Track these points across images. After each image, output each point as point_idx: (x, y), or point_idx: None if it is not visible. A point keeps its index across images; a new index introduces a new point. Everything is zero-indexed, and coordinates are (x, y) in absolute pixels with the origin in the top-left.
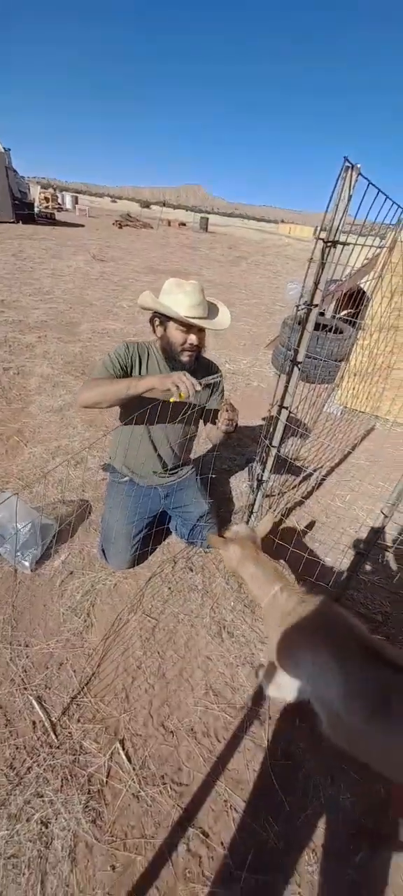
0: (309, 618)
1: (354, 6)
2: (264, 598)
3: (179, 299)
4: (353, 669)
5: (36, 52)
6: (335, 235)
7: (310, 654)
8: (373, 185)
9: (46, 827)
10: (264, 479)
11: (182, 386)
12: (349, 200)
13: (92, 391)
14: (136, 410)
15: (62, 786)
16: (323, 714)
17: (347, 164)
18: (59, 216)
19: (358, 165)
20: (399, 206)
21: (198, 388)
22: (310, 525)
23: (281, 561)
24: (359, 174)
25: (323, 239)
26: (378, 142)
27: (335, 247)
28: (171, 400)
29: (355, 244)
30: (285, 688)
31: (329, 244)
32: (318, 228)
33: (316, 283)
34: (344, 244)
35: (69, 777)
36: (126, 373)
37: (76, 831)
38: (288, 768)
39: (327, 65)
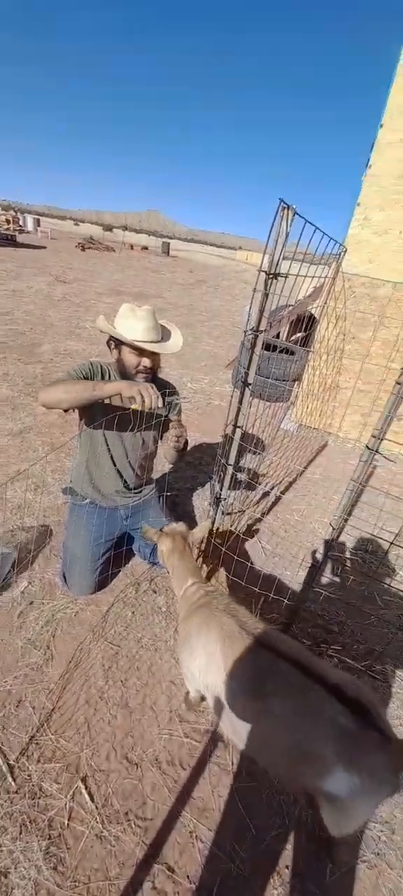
0: (206, 611)
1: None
2: (178, 590)
3: (132, 324)
4: (233, 655)
5: None
6: (276, 268)
7: (202, 644)
8: (310, 222)
9: (5, 877)
10: (222, 496)
11: (146, 397)
12: (287, 237)
13: (55, 388)
14: (96, 420)
15: (21, 833)
16: (212, 703)
17: (283, 205)
18: (20, 238)
19: (293, 206)
20: (335, 241)
21: (161, 402)
22: (252, 532)
23: (222, 569)
24: (295, 213)
25: (265, 272)
26: (333, 160)
27: (276, 278)
28: (134, 407)
29: (296, 275)
30: (188, 679)
31: (271, 276)
32: (261, 262)
33: (262, 311)
34: (285, 276)
35: (28, 823)
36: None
37: (37, 879)
38: (252, 789)
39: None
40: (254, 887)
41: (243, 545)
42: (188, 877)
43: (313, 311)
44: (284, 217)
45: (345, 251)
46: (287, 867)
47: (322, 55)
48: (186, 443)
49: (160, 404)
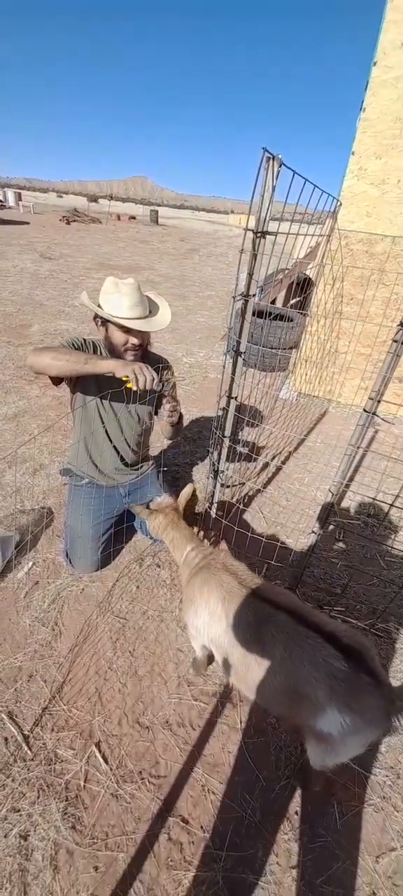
0: (206, 572)
1: None
2: (180, 558)
3: (116, 301)
4: (233, 607)
5: None
6: (263, 226)
7: (204, 601)
8: (298, 174)
9: (25, 840)
10: (220, 469)
11: (141, 378)
12: (273, 190)
13: (45, 353)
14: (89, 397)
15: (39, 797)
16: (218, 656)
17: (267, 154)
18: (1, 214)
19: (279, 155)
20: (328, 195)
21: (156, 382)
22: (253, 503)
23: (223, 542)
24: (281, 164)
25: (252, 230)
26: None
27: (264, 237)
28: (129, 385)
29: (286, 234)
30: (194, 638)
31: (258, 235)
32: (246, 220)
33: (251, 274)
34: (275, 234)
35: (45, 787)
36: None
37: (56, 839)
38: (261, 745)
39: (269, 47)
40: (265, 833)
41: (244, 516)
42: (202, 826)
43: (309, 274)
44: (269, 168)
45: (340, 205)
46: (296, 813)
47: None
48: (181, 416)
49: (155, 385)
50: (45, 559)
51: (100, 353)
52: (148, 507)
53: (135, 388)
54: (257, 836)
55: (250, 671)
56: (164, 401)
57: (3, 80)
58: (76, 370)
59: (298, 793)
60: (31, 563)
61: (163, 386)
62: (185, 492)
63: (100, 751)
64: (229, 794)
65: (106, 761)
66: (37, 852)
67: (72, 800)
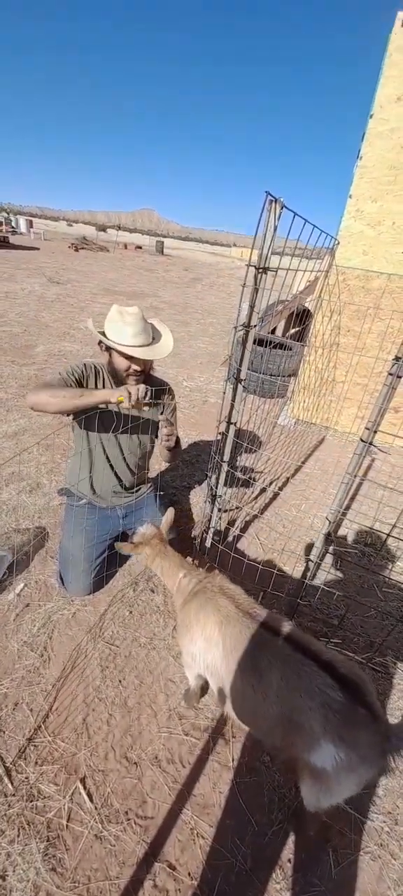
0: (201, 596)
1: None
2: (173, 586)
3: (120, 328)
4: (230, 631)
5: None
6: (265, 263)
7: (201, 627)
8: (299, 215)
9: (3, 880)
10: (218, 493)
11: (133, 391)
12: (275, 230)
13: (42, 392)
14: (88, 425)
15: (19, 835)
16: (214, 684)
17: (270, 197)
18: (12, 240)
19: (281, 199)
20: (327, 234)
21: (147, 396)
22: (250, 528)
23: (216, 571)
24: (283, 206)
25: (254, 266)
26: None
27: (266, 273)
28: (120, 399)
29: (286, 269)
30: (189, 667)
31: (260, 270)
32: (249, 256)
33: (252, 307)
34: (276, 270)
35: (26, 825)
36: (81, 387)
37: (35, 881)
38: (253, 785)
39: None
40: (256, 882)
41: (241, 542)
42: (189, 874)
43: (307, 306)
44: (272, 210)
45: (338, 244)
46: (289, 861)
47: (315, 49)
48: (178, 440)
49: (147, 398)
50: (38, 581)
51: (103, 378)
52: (132, 541)
53: (128, 404)
54: (248, 885)
55: (246, 699)
56: (161, 424)
57: (19, 110)
58: (73, 405)
59: (291, 838)
60: (22, 585)
61: (163, 409)
62: (167, 517)
63: (84, 787)
64: (219, 839)
65: (90, 799)
66: (15, 893)
67: (54, 840)
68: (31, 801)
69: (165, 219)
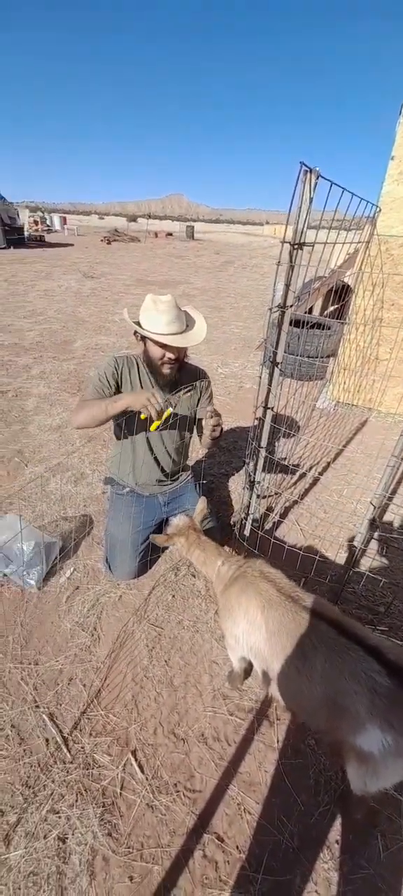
0: (242, 581)
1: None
2: (212, 574)
3: (154, 317)
4: (273, 615)
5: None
6: (300, 237)
7: (243, 611)
8: (336, 184)
9: (63, 842)
10: (256, 480)
11: (151, 410)
12: (310, 202)
13: (79, 415)
14: (127, 423)
15: (77, 800)
16: (257, 666)
17: (305, 168)
18: (48, 238)
19: (316, 168)
20: (367, 202)
21: (163, 405)
22: (290, 514)
23: (226, 547)
24: (319, 176)
25: (289, 242)
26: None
27: (302, 248)
28: (143, 417)
29: (324, 244)
30: (232, 649)
31: (295, 246)
32: (284, 232)
33: (288, 285)
34: (312, 245)
35: (83, 791)
36: (118, 386)
37: (93, 845)
38: (299, 767)
39: (303, 59)
40: (304, 860)
41: (280, 528)
42: (237, 846)
43: (347, 281)
44: (307, 181)
45: (380, 211)
46: (336, 842)
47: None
48: (221, 430)
49: (162, 406)
50: (86, 565)
51: (136, 368)
52: (167, 533)
53: (153, 429)
54: (295, 862)
55: (290, 681)
56: (206, 414)
57: (51, 110)
58: (102, 419)
59: (339, 821)
60: (72, 569)
61: (200, 395)
62: (199, 508)
63: (136, 759)
64: (265, 816)
65: (142, 770)
66: (74, 856)
67: (109, 806)
68: (88, 769)
69: (195, 202)
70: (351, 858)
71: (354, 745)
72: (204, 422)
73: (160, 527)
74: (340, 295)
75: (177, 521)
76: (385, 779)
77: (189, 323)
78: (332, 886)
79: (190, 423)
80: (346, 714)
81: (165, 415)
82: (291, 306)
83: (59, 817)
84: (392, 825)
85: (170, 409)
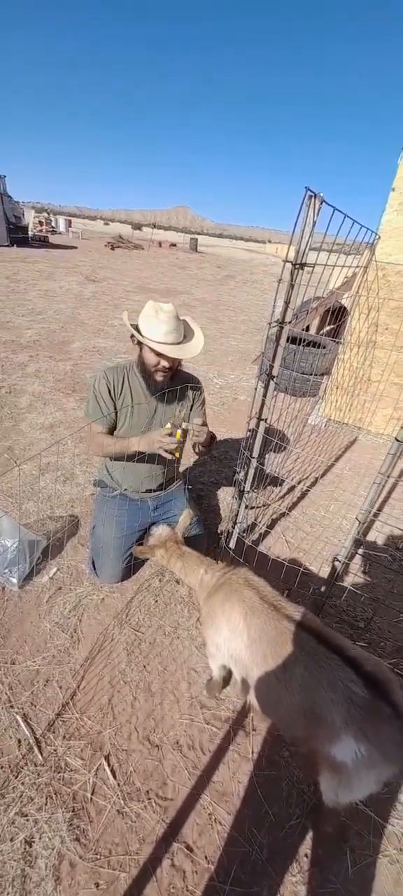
0: (227, 588)
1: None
2: (195, 583)
3: (154, 325)
4: (255, 622)
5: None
6: (302, 258)
7: (226, 618)
8: (339, 210)
9: (30, 846)
10: (246, 490)
11: (166, 451)
12: (313, 226)
13: (97, 450)
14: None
15: (46, 803)
16: (237, 673)
17: (309, 193)
18: (52, 239)
19: (321, 194)
20: (367, 229)
21: (173, 447)
22: (277, 526)
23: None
24: (323, 201)
25: (291, 262)
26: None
27: (302, 268)
28: (175, 454)
29: (324, 265)
30: (213, 657)
31: (297, 266)
32: (286, 252)
33: (287, 302)
34: (312, 266)
35: (53, 795)
36: (115, 398)
37: (60, 850)
38: (272, 778)
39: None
40: (272, 872)
41: (267, 539)
42: (206, 857)
43: (344, 303)
44: (311, 206)
45: (379, 238)
46: (306, 855)
47: (349, 43)
48: (213, 439)
49: (174, 448)
50: (69, 566)
51: (127, 380)
52: (148, 545)
53: (176, 455)
54: (263, 875)
55: (269, 688)
56: (193, 424)
57: (57, 116)
58: (121, 454)
59: (309, 835)
60: (55, 569)
61: (193, 401)
62: (183, 519)
63: (108, 764)
64: (236, 827)
65: (114, 775)
66: (40, 860)
67: (79, 811)
68: (59, 773)
69: (199, 216)
70: (320, 872)
71: (328, 754)
72: (190, 432)
73: (148, 531)
74: (336, 315)
75: (159, 531)
76: (357, 790)
77: (187, 334)
78: None
79: (184, 430)
80: (322, 723)
81: (177, 436)
82: (289, 323)
83: (27, 820)
84: (362, 841)
85: (179, 431)
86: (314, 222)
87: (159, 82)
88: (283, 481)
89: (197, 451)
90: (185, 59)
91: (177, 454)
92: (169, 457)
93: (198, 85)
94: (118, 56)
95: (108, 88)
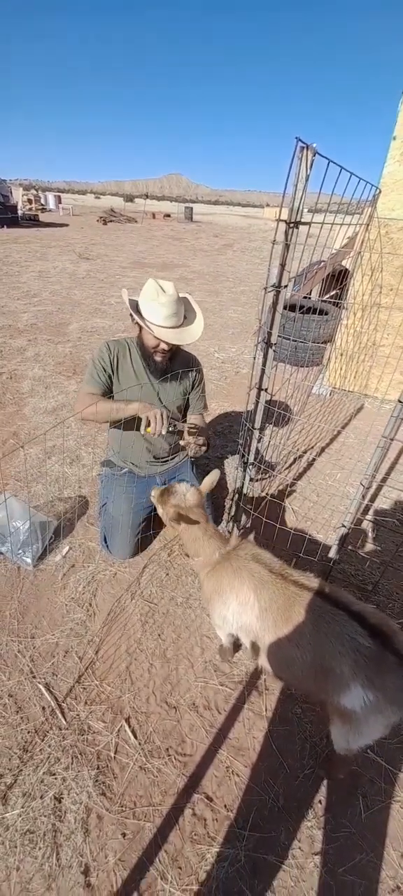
0: (235, 562)
1: None
2: (203, 555)
3: (155, 308)
4: (264, 594)
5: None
6: (296, 216)
7: (234, 593)
8: (334, 162)
9: (59, 802)
10: (249, 461)
11: (153, 424)
12: (307, 180)
13: (87, 409)
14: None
15: (72, 763)
16: (247, 641)
17: (301, 144)
18: (42, 217)
19: (313, 145)
20: (366, 182)
21: (164, 432)
22: (283, 496)
23: (251, 536)
24: (316, 153)
25: (284, 220)
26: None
27: (297, 227)
28: (147, 430)
29: (321, 224)
30: (219, 628)
31: (291, 225)
32: (279, 211)
33: (283, 265)
34: (308, 224)
35: (78, 755)
36: (111, 373)
37: (87, 804)
38: (285, 733)
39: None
40: (288, 819)
41: (273, 509)
42: (225, 805)
43: (346, 266)
44: (303, 158)
45: (380, 193)
46: (320, 802)
47: None
48: (208, 446)
49: (164, 432)
50: (81, 544)
51: (129, 353)
52: (170, 499)
53: (148, 432)
54: (280, 820)
55: (280, 649)
56: (189, 431)
57: (41, 91)
58: (114, 418)
59: (323, 783)
60: (67, 548)
61: (193, 384)
62: (211, 478)
63: (129, 725)
64: (253, 778)
65: (135, 736)
66: (69, 814)
67: (103, 769)
68: (83, 735)
69: (194, 183)
70: (334, 818)
71: (338, 704)
72: (184, 434)
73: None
74: (338, 279)
75: (184, 490)
76: (367, 735)
77: (187, 314)
78: (315, 843)
79: (181, 406)
80: (331, 675)
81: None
82: (285, 286)
83: (55, 779)
84: (374, 787)
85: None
86: (307, 176)
87: (146, 45)
88: (288, 451)
89: (190, 451)
90: (176, 16)
91: (148, 431)
92: (149, 432)
93: (190, 45)
94: (100, 20)
95: (92, 56)
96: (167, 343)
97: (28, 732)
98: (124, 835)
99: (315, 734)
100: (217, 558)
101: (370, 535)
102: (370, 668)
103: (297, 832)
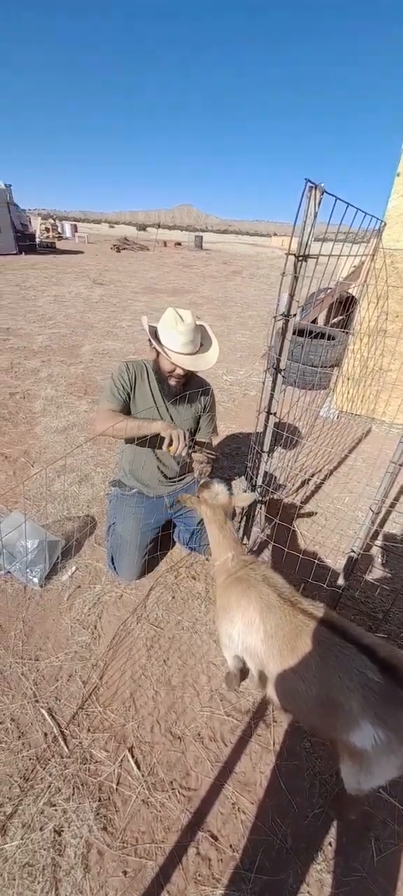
0: (245, 583)
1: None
2: (218, 559)
3: (174, 336)
4: (271, 618)
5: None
6: (305, 250)
7: (241, 612)
8: (340, 199)
9: (59, 835)
10: (257, 484)
11: (175, 444)
12: (315, 217)
13: (107, 424)
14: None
15: (73, 793)
16: (253, 666)
17: (310, 184)
18: (59, 245)
19: (321, 185)
20: (372, 216)
21: (184, 453)
22: (291, 520)
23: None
24: (324, 192)
25: (293, 254)
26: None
27: (306, 260)
28: (169, 448)
29: (328, 256)
30: (226, 647)
31: (300, 258)
32: (289, 244)
33: (292, 295)
34: (316, 257)
35: (80, 785)
36: (129, 392)
37: (88, 838)
38: (294, 769)
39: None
40: (297, 860)
41: (281, 533)
42: (231, 845)
43: (352, 293)
44: (311, 197)
45: (385, 225)
46: (330, 844)
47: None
48: (212, 468)
49: (184, 453)
50: (88, 565)
51: (146, 374)
52: (198, 495)
53: (170, 451)
54: (288, 863)
55: (285, 680)
56: (199, 454)
57: (59, 123)
58: (134, 435)
59: (333, 824)
60: (74, 568)
61: (203, 408)
62: (246, 497)
63: (132, 756)
64: (260, 816)
65: (138, 767)
66: (69, 848)
67: (105, 801)
68: (85, 764)
69: (204, 213)
70: (345, 861)
71: (347, 742)
72: (198, 441)
73: (166, 527)
74: (345, 306)
75: (217, 490)
76: (378, 776)
77: (204, 342)
78: (325, 888)
79: (190, 430)
80: (340, 711)
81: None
82: (294, 315)
83: (56, 810)
84: (387, 829)
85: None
86: (315, 213)
87: (159, 82)
88: (296, 474)
89: (197, 473)
90: (184, 57)
91: (170, 451)
92: (171, 451)
93: (199, 83)
94: (119, 58)
95: (107, 89)
96: (182, 368)
97: (29, 759)
98: (125, 872)
99: (324, 771)
100: (230, 565)
101: (379, 561)
102: (380, 705)
103: (306, 875)
